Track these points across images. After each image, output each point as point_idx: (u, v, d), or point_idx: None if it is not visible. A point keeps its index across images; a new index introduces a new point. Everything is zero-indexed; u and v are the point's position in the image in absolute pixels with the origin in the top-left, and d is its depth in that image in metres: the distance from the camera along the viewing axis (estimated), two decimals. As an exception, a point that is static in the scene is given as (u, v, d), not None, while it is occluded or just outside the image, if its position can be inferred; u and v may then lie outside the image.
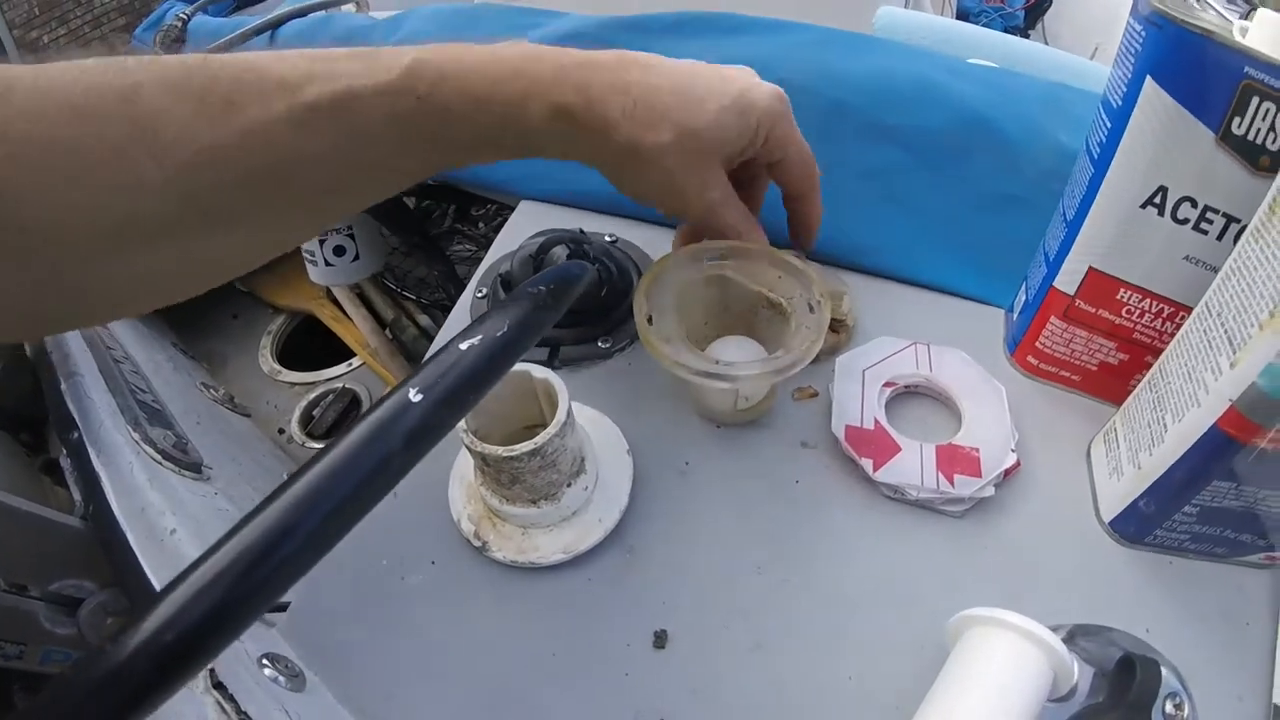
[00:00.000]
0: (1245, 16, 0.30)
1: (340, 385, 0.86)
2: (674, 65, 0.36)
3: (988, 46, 0.76)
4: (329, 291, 0.88)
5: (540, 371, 0.32)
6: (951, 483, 0.36)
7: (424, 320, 0.85)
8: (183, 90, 0.25)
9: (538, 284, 0.26)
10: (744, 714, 0.31)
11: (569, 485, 0.33)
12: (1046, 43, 2.25)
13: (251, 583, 0.16)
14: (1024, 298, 0.43)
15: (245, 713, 0.26)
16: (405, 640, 0.33)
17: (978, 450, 0.37)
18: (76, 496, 0.51)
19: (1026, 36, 2.24)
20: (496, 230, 0.79)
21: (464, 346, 0.21)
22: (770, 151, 0.38)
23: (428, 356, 0.23)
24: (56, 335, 0.63)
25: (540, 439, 0.29)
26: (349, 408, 0.85)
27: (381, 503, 0.19)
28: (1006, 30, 2.15)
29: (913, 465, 0.37)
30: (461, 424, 0.29)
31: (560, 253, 0.40)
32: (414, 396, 0.19)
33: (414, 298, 0.85)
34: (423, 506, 0.36)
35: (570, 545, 0.34)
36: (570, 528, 0.34)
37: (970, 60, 0.62)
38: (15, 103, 0.23)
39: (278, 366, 0.91)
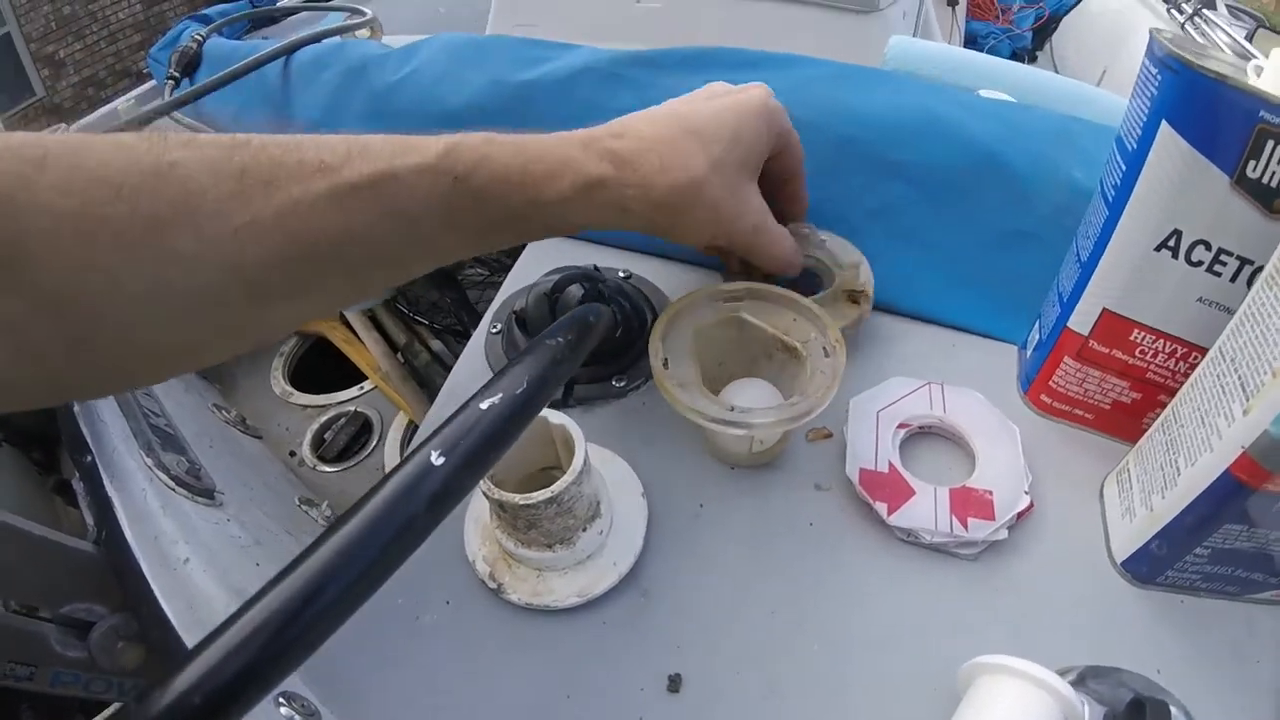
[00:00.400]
0: (1249, 37, 0.30)
1: (352, 409, 0.87)
2: (679, 105, 0.39)
3: (999, 76, 0.77)
4: (341, 315, 0.89)
5: (557, 417, 0.32)
6: (965, 526, 0.36)
7: (436, 345, 0.85)
8: (221, 170, 0.26)
9: (555, 334, 0.26)
10: None
11: (584, 530, 0.33)
12: (1054, 63, 2.25)
13: (279, 646, 0.17)
14: (1037, 336, 0.43)
15: None
16: (419, 680, 0.33)
17: (991, 493, 0.37)
18: (89, 520, 0.51)
19: (1034, 58, 2.25)
20: (509, 256, 0.80)
21: (484, 406, 0.21)
22: (782, 137, 0.41)
23: (441, 414, 0.23)
24: None
25: (557, 487, 0.30)
26: (360, 431, 0.86)
27: None
28: (1014, 52, 2.16)
29: (926, 509, 0.37)
30: None
31: (575, 291, 0.40)
32: (436, 460, 0.19)
33: (426, 323, 0.86)
34: (438, 547, 0.36)
35: (585, 589, 0.34)
36: (585, 571, 0.34)
37: (981, 92, 0.62)
38: (48, 175, 0.23)
39: (289, 389, 0.92)
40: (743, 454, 0.39)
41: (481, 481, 0.30)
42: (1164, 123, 0.31)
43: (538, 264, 0.51)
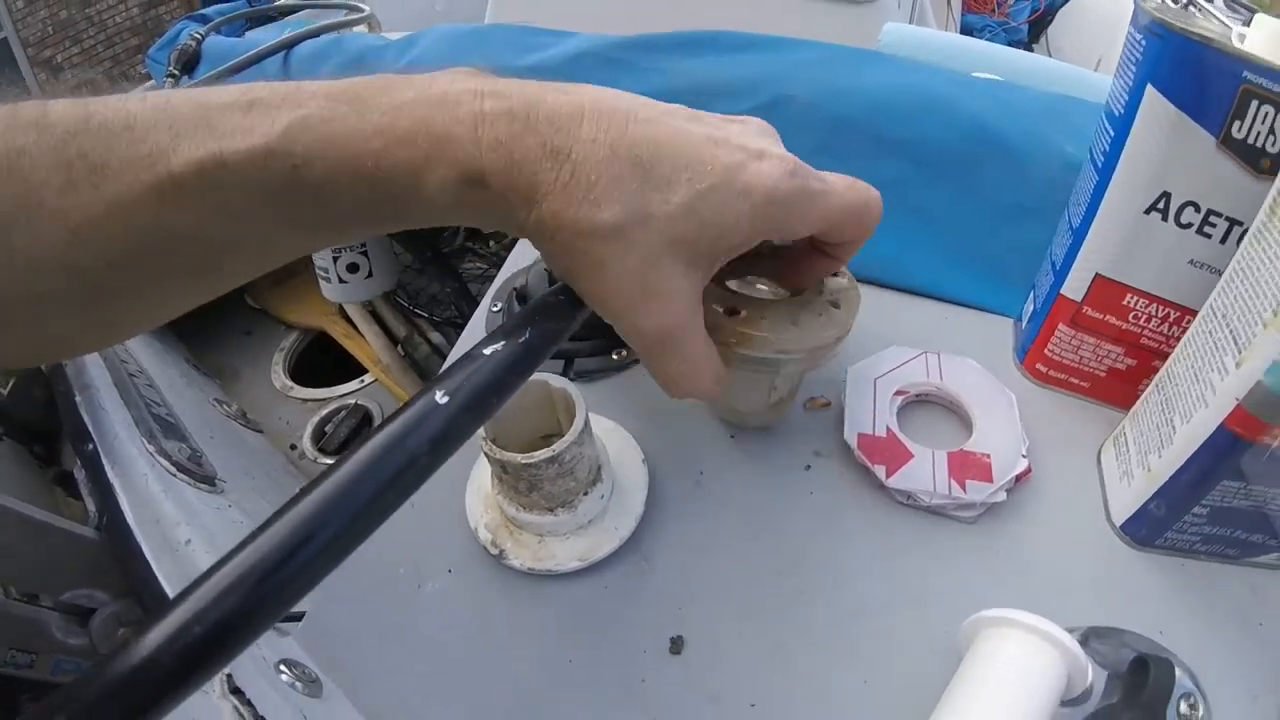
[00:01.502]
0: (1246, 24, 0.31)
1: (352, 402, 0.87)
2: (657, 121, 0.27)
3: (991, 60, 0.77)
4: (341, 309, 0.90)
5: (558, 381, 0.32)
6: (963, 488, 0.36)
7: (436, 337, 0.86)
8: (60, 158, 0.24)
9: (556, 293, 0.26)
10: (761, 714, 0.31)
11: (586, 493, 0.34)
12: (1050, 56, 2.27)
13: (279, 579, 0.17)
14: (1032, 306, 0.43)
15: (263, 717, 0.27)
16: (421, 647, 0.33)
17: (989, 456, 0.38)
18: (90, 507, 0.51)
19: (1030, 50, 2.26)
20: (508, 249, 0.80)
21: (488, 352, 0.22)
22: (793, 234, 0.31)
23: (451, 362, 0.23)
24: None
25: (558, 446, 0.30)
26: (361, 424, 0.86)
27: (399, 512, 0.20)
28: (1010, 44, 2.16)
29: (925, 472, 0.37)
30: (480, 432, 0.30)
31: None
32: (440, 399, 0.19)
33: (426, 315, 0.86)
34: (439, 516, 0.37)
35: (586, 553, 0.34)
36: (586, 536, 0.34)
37: (975, 74, 0.63)
38: None
39: (290, 383, 0.92)
40: (758, 406, 0.39)
41: (485, 443, 0.30)
42: (1149, 86, 0.31)
43: (537, 246, 0.52)
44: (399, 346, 0.85)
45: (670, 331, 0.28)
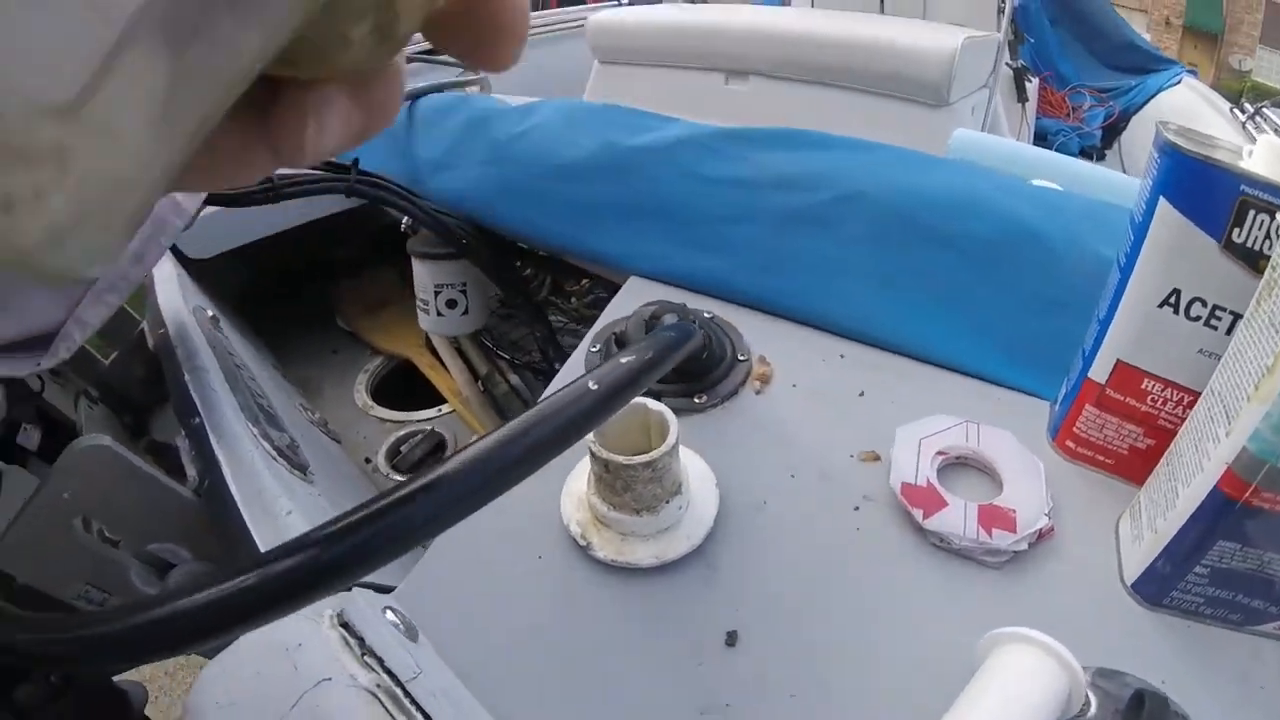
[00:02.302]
0: (1250, 119, 0.36)
1: (429, 428, 0.95)
2: None
3: (1050, 168, 0.83)
4: (428, 341, 0.98)
5: (655, 404, 0.39)
6: (990, 535, 0.41)
7: (514, 379, 0.93)
8: None
9: (667, 330, 0.33)
10: (798, 704, 0.36)
11: (667, 502, 0.40)
12: (1121, 161, 2.30)
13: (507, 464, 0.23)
14: (1065, 389, 0.48)
15: (363, 638, 0.31)
16: (507, 618, 0.39)
17: (1015, 511, 0.42)
18: (191, 472, 0.57)
19: (1103, 156, 2.29)
20: (588, 306, 0.88)
21: (624, 360, 0.28)
22: None
23: (551, 391, 0.29)
24: (180, 331, 0.70)
25: (654, 454, 0.37)
26: (435, 449, 0.93)
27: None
28: (1083, 149, 2.20)
29: (957, 518, 0.42)
30: (590, 435, 0.36)
31: (671, 319, 0.48)
32: (592, 385, 0.26)
33: (507, 358, 0.94)
34: (534, 512, 0.43)
35: (662, 553, 0.40)
36: (663, 539, 0.40)
37: (1035, 182, 0.69)
38: None
39: (370, 402, 1.00)
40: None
41: (594, 444, 0.37)
42: (1161, 198, 0.37)
43: (633, 299, 0.59)
44: (479, 383, 0.92)
45: None
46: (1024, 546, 0.41)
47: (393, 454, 0.94)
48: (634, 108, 0.70)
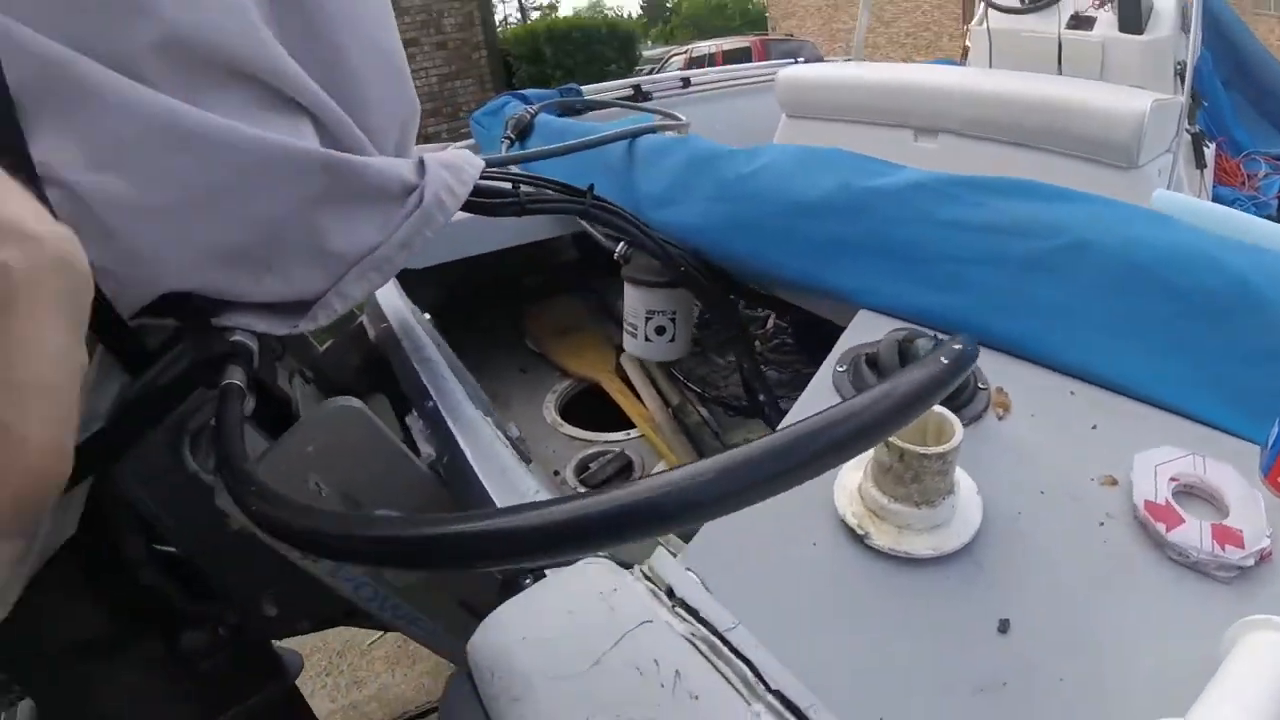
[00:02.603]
0: None
1: (618, 449, 0.99)
2: None
3: (1249, 230, 0.81)
4: (619, 367, 1.03)
5: (939, 407, 0.41)
6: (1222, 549, 0.43)
7: (704, 411, 0.96)
8: None
9: (952, 345, 0.35)
10: (1067, 688, 0.39)
11: (945, 497, 0.43)
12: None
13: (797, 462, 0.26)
14: (1275, 433, 0.48)
15: (672, 589, 0.33)
16: (781, 596, 0.44)
17: (1242, 531, 0.44)
18: (426, 450, 0.60)
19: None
20: (773, 350, 0.89)
21: (914, 374, 0.30)
22: None
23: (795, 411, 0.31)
24: (404, 326, 0.75)
25: (947, 445, 0.40)
26: (622, 469, 0.97)
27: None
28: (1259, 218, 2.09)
29: (1194, 534, 0.44)
30: None
31: (925, 344, 0.50)
32: (899, 388, 0.29)
33: (697, 390, 0.97)
34: (807, 505, 0.48)
35: (938, 545, 0.43)
36: (936, 534, 0.43)
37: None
38: None
39: (560, 419, 1.06)
40: None
41: (894, 438, 0.40)
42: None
43: (864, 333, 0.62)
44: (670, 410, 0.96)
45: None
46: (1250, 563, 0.43)
47: (581, 469, 0.98)
48: (865, 155, 0.74)
